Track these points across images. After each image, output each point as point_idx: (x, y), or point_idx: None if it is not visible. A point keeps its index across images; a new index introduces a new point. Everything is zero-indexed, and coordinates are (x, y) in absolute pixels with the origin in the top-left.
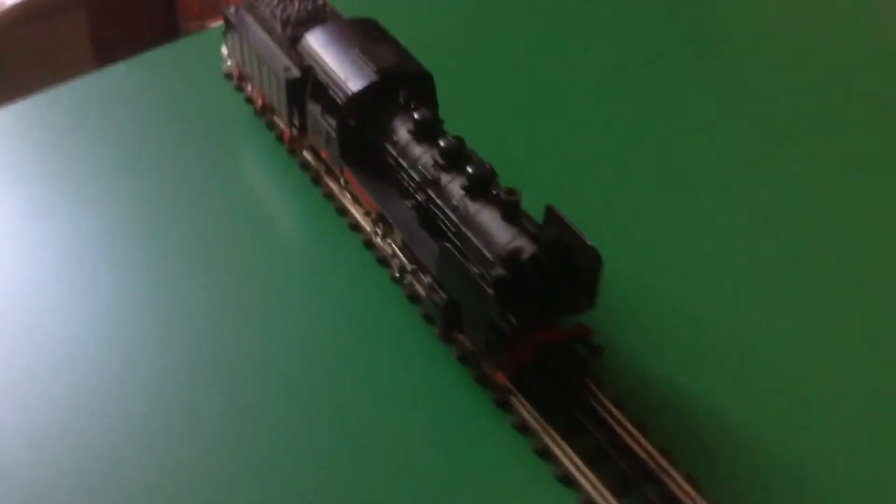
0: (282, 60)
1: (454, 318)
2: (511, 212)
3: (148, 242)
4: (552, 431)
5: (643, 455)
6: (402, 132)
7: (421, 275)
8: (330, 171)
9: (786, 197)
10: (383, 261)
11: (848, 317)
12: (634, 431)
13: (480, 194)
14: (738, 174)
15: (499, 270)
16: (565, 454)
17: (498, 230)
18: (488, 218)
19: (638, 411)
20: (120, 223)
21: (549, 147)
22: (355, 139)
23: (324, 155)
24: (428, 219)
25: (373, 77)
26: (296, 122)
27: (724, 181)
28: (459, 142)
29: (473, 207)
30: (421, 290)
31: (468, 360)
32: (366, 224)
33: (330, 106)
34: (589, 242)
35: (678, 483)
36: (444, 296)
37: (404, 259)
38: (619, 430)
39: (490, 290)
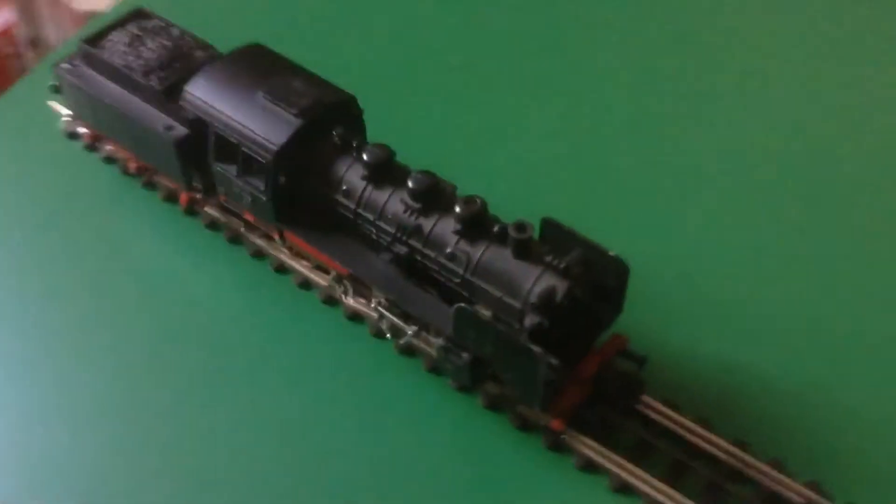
0: (157, 118)
1: (481, 373)
2: (524, 249)
3: (53, 355)
4: (624, 462)
5: (721, 455)
6: (354, 178)
7: (425, 334)
8: (252, 226)
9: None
10: (355, 317)
11: None
12: (703, 432)
13: (478, 234)
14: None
15: (534, 319)
16: (645, 482)
17: (516, 272)
18: (498, 260)
19: (696, 408)
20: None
21: (474, 135)
22: (290, 196)
23: (249, 217)
24: (415, 271)
25: (295, 122)
26: (197, 184)
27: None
28: (431, 178)
29: (475, 251)
30: (426, 349)
31: (500, 405)
32: (320, 279)
33: (249, 165)
34: (612, 254)
35: (766, 473)
36: (466, 356)
37: (395, 319)
38: (687, 436)
39: (537, 348)
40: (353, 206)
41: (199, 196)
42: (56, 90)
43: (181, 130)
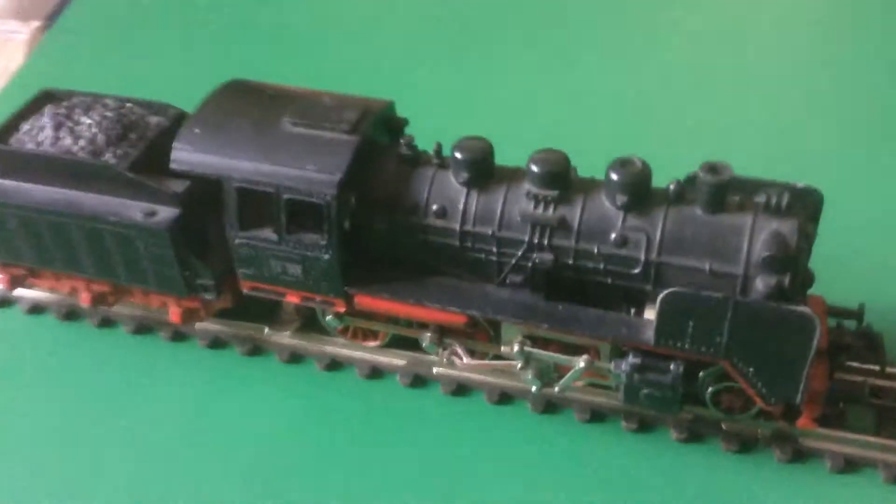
0: (127, 206)
1: (685, 391)
2: (720, 199)
3: None
4: (889, 443)
5: None
6: (447, 189)
7: (600, 364)
8: (279, 323)
9: None
10: (464, 388)
11: None
12: None
13: (647, 202)
14: None
15: (769, 279)
16: None
17: (722, 231)
18: (689, 224)
19: None
20: None
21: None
22: (358, 246)
23: (293, 299)
24: (560, 283)
25: (350, 141)
26: (203, 278)
27: None
28: (559, 154)
29: (654, 224)
30: (579, 396)
31: (700, 433)
32: (396, 359)
33: (298, 218)
34: (801, 186)
35: None
36: (675, 366)
37: (554, 355)
38: None
39: (806, 309)
40: (456, 225)
41: (205, 299)
42: None
43: (169, 211)
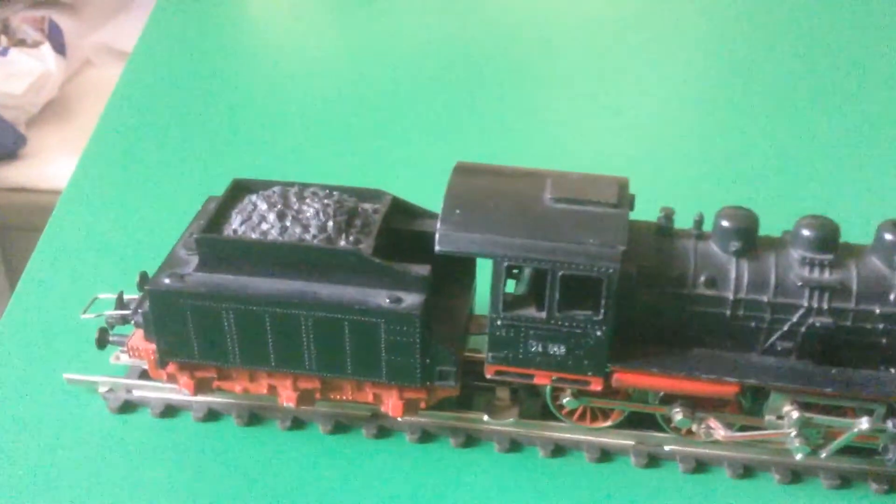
0: (369, 293)
1: None
2: None
3: None
4: None
5: None
6: (716, 260)
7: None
8: (499, 408)
9: None
10: (699, 466)
11: None
12: None
13: None
14: None
15: None
16: None
17: None
18: None
19: None
20: None
21: None
22: (627, 318)
23: (542, 380)
24: (832, 346)
25: (621, 214)
26: (445, 365)
27: None
28: (827, 219)
29: None
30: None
31: None
32: (628, 439)
33: (572, 293)
34: None
35: None
36: None
37: (824, 419)
38: None
39: None
40: (727, 293)
41: (433, 387)
42: (102, 343)
43: (415, 296)
